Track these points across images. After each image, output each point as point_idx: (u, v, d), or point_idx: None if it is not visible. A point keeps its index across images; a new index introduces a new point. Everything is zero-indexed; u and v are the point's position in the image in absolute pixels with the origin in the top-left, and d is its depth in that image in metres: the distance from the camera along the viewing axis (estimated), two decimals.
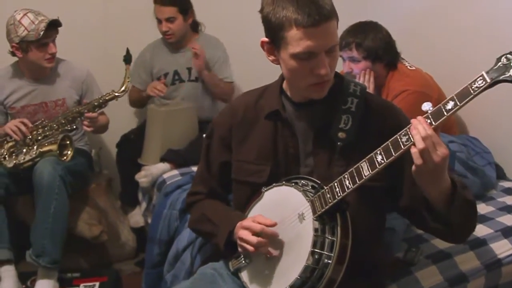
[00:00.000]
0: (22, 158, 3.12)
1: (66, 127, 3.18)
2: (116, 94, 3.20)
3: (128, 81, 3.21)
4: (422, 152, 1.46)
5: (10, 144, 3.17)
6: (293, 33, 1.63)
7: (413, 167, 1.51)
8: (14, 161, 3.11)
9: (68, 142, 3.15)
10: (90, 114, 3.13)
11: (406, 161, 1.57)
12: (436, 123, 1.45)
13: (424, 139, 1.45)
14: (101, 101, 3.19)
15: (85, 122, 3.15)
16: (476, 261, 2.21)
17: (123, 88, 3.21)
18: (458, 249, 2.22)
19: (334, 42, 1.66)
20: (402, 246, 2.25)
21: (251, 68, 3.76)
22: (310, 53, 1.64)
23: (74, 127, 3.22)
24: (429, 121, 1.46)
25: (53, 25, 3.14)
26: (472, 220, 1.75)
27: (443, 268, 2.14)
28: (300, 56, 1.65)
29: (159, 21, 3.76)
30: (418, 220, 1.80)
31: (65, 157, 3.12)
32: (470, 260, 2.20)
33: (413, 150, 1.48)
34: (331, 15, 1.62)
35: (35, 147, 3.13)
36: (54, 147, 3.10)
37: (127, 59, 3.16)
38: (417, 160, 1.48)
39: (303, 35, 1.62)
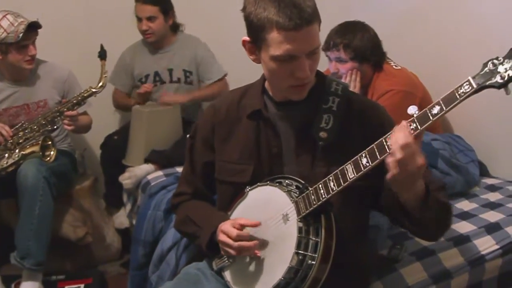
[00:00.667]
0: (5, 162, 3.09)
1: (46, 128, 3.15)
2: (94, 90, 3.17)
3: (105, 77, 3.17)
4: (399, 162, 1.45)
5: None
6: (274, 36, 1.62)
7: (388, 175, 1.50)
8: None
9: (50, 142, 3.13)
10: (70, 113, 3.10)
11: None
12: (422, 128, 1.44)
13: (402, 147, 1.43)
14: (79, 98, 3.16)
15: (65, 121, 3.12)
16: (460, 258, 2.22)
17: (100, 84, 3.17)
18: (442, 246, 2.23)
19: (315, 45, 1.65)
20: (386, 243, 2.25)
21: (234, 67, 3.76)
22: (290, 56, 1.63)
23: (55, 127, 3.19)
24: (414, 125, 1.45)
25: (33, 27, 3.11)
26: (446, 221, 1.75)
27: (427, 264, 2.15)
28: (280, 59, 1.65)
29: (139, 20, 3.75)
30: (395, 219, 1.80)
31: (48, 158, 3.10)
32: (454, 257, 2.21)
33: (390, 159, 1.47)
34: (313, 18, 1.61)
35: (17, 150, 3.11)
36: (36, 148, 3.08)
37: (102, 54, 3.13)
38: (393, 169, 1.47)
39: (283, 38, 1.61)
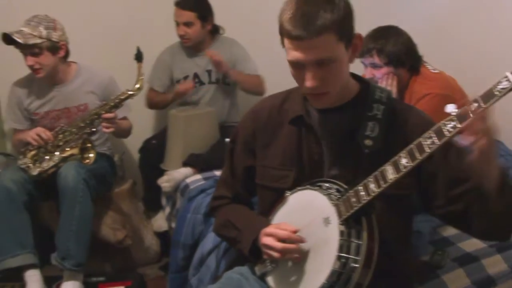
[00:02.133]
0: (46, 165, 3.14)
1: (85, 130, 3.19)
2: (131, 92, 3.18)
3: (142, 79, 3.18)
4: (483, 129, 1.41)
5: (32, 152, 3.20)
6: (286, 41, 1.66)
7: (476, 154, 1.45)
8: (38, 169, 3.14)
9: (89, 145, 3.18)
10: (107, 115, 3.13)
11: (436, 168, 1.55)
12: (462, 125, 1.42)
13: (482, 118, 1.40)
14: (117, 101, 3.18)
15: (104, 124, 3.15)
16: (504, 264, 2.19)
17: (137, 86, 3.17)
18: (485, 252, 2.20)
19: (321, 56, 1.63)
20: (428, 249, 2.23)
21: (274, 70, 3.76)
22: (297, 63, 1.65)
23: (94, 129, 3.22)
24: (453, 123, 1.43)
25: (10, 39, 3.09)
26: None
27: (470, 271, 2.13)
28: (292, 64, 1.68)
29: (177, 24, 3.77)
30: (459, 220, 1.75)
31: (87, 160, 3.15)
32: (498, 263, 2.19)
33: (464, 134, 1.43)
34: (321, 31, 1.59)
35: (57, 153, 3.16)
36: (75, 151, 3.13)
37: (139, 57, 3.12)
38: (480, 141, 1.42)
39: (291, 45, 1.63)
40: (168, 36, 3.89)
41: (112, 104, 3.19)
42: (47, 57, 3.16)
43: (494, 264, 2.18)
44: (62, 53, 3.23)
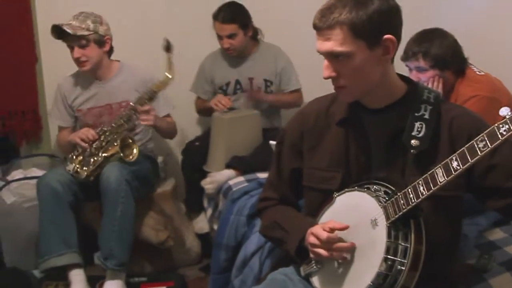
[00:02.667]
0: (92, 167, 3.21)
1: (125, 127, 3.25)
2: (162, 82, 3.23)
3: (171, 69, 3.21)
4: None
5: (79, 158, 3.26)
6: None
7: None
8: (86, 173, 3.20)
9: (130, 141, 3.23)
10: (143, 108, 3.19)
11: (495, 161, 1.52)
12: None
13: None
14: (150, 93, 3.24)
15: (142, 117, 3.20)
16: None
17: (168, 75, 3.21)
18: None
19: (334, 49, 1.67)
20: (474, 252, 2.20)
21: (316, 73, 3.75)
22: (319, 53, 1.72)
23: (134, 124, 3.29)
24: (507, 126, 1.40)
25: (64, 33, 3.22)
26: None
27: None
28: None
29: (220, 38, 3.78)
30: None
31: (130, 157, 3.20)
32: None
33: None
34: (333, 24, 1.65)
35: (100, 153, 3.22)
36: (116, 149, 3.19)
37: (168, 47, 3.17)
38: None
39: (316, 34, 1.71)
40: (213, 38, 3.90)
41: (146, 97, 3.23)
42: (94, 49, 3.28)
43: None
44: (107, 47, 3.35)
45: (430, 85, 2.86)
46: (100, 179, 3.14)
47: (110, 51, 3.40)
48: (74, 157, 3.27)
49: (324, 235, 1.72)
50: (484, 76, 2.98)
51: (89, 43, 3.25)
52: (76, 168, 3.23)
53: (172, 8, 4.11)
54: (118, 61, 3.47)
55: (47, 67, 3.81)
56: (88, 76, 3.42)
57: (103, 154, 3.21)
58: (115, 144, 3.22)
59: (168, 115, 3.52)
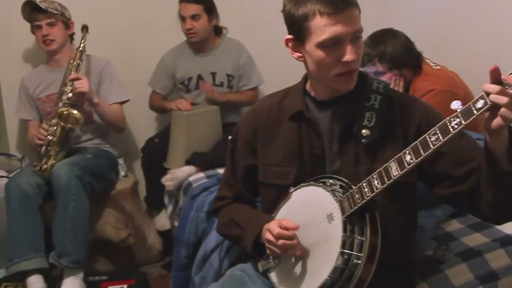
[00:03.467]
0: (52, 160, 3.20)
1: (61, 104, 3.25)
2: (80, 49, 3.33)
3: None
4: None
5: (42, 154, 3.24)
6: (318, 21, 1.65)
7: (497, 122, 1.41)
8: (47, 167, 3.19)
9: (66, 111, 3.20)
10: (70, 76, 3.23)
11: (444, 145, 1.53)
12: (466, 122, 1.42)
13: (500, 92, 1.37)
14: (74, 63, 3.30)
15: (75, 85, 3.19)
16: (507, 259, 2.17)
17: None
18: (488, 246, 2.19)
19: (358, 27, 1.67)
20: (431, 244, 2.22)
21: (276, 70, 3.77)
22: (336, 39, 1.65)
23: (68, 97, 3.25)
24: (458, 120, 1.42)
25: (38, 9, 3.34)
26: None
27: (474, 265, 2.11)
28: (325, 44, 1.67)
29: (183, 19, 3.77)
30: (466, 200, 1.72)
31: (77, 123, 3.21)
32: (501, 258, 2.17)
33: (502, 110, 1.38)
34: (353, 2, 1.66)
35: (53, 139, 3.23)
36: (60, 125, 3.20)
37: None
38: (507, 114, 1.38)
39: (328, 21, 1.64)
40: (173, 35, 3.90)
41: (70, 67, 3.30)
42: (61, 29, 3.43)
43: (498, 259, 2.16)
44: (71, 30, 3.49)
45: (392, 84, 2.89)
46: (51, 178, 3.11)
47: (71, 36, 3.53)
48: (38, 155, 3.26)
49: (275, 230, 1.72)
50: (440, 70, 3.01)
51: (57, 22, 3.41)
52: (40, 165, 3.20)
53: (133, 3, 4.07)
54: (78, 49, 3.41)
55: (3, 64, 3.74)
56: (48, 66, 3.50)
57: (53, 139, 3.20)
58: (58, 122, 3.20)
59: (118, 104, 3.52)
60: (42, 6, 3.32)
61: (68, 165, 3.10)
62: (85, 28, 3.37)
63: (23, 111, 3.58)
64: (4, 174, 3.51)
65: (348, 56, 1.67)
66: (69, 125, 3.18)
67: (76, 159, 3.21)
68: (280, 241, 1.72)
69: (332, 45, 1.67)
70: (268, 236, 1.76)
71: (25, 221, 3.07)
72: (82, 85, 3.18)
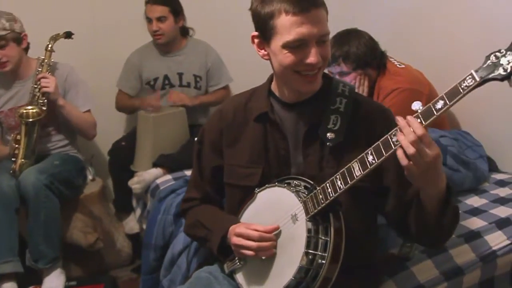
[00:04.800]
0: (20, 159, 3.17)
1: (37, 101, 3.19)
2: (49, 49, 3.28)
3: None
4: (413, 156, 1.45)
5: (13, 158, 3.21)
6: (283, 21, 1.65)
7: (405, 170, 1.51)
8: (16, 166, 3.17)
9: (24, 111, 3.16)
10: (38, 76, 3.18)
11: (390, 163, 1.57)
12: (426, 123, 1.44)
13: (413, 143, 1.44)
14: (44, 62, 3.25)
15: (42, 83, 3.15)
16: (471, 254, 2.21)
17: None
18: (453, 242, 2.21)
19: (324, 30, 1.67)
20: (396, 241, 2.24)
21: (243, 70, 3.77)
22: (301, 41, 1.65)
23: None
24: (419, 120, 1.45)
25: None
26: (453, 228, 1.75)
27: (439, 262, 2.14)
28: (290, 45, 1.66)
29: (149, 21, 3.75)
30: (398, 224, 1.83)
31: (35, 112, 3.17)
32: (465, 253, 2.20)
33: (399, 152, 1.47)
34: (320, 3, 1.66)
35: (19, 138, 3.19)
36: (23, 123, 3.16)
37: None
38: (403, 161, 1.47)
39: (293, 22, 1.64)
40: (138, 37, 3.88)
41: (41, 69, 3.24)
42: (13, 48, 3.20)
43: (462, 254, 2.19)
44: (24, 44, 3.28)
45: (357, 84, 2.91)
46: (19, 187, 3.08)
47: (27, 48, 3.33)
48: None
49: (255, 234, 1.72)
50: (405, 69, 3.03)
51: (8, 42, 3.16)
52: (13, 168, 3.17)
53: (98, 4, 4.03)
54: (37, 58, 3.35)
55: None
56: (7, 76, 3.33)
57: (18, 137, 3.18)
58: (21, 121, 3.17)
59: (88, 111, 3.44)
60: None
61: (35, 174, 3.07)
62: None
63: None
64: None
65: (312, 59, 1.67)
66: (31, 119, 3.13)
67: (44, 167, 3.17)
68: (256, 244, 1.71)
69: (297, 46, 1.67)
70: (237, 240, 1.76)
71: (4, 224, 3.04)
72: (48, 84, 3.14)
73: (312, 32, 1.65)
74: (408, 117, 1.47)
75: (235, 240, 1.77)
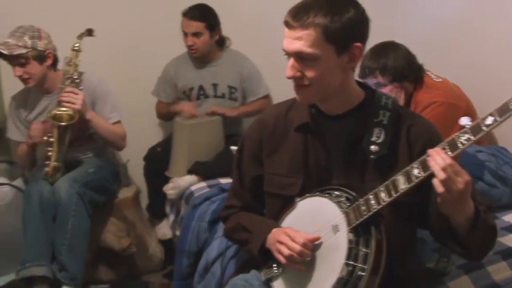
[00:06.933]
0: (53, 162, 3.17)
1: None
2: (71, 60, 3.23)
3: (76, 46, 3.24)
4: (444, 181, 1.47)
5: (46, 161, 3.21)
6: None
7: (438, 198, 1.53)
8: (50, 169, 3.17)
9: (55, 112, 3.14)
10: (65, 89, 3.13)
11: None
12: (476, 138, 1.45)
13: (443, 169, 1.46)
14: (68, 75, 3.21)
15: (63, 96, 3.11)
16: (509, 271, 2.18)
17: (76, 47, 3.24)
18: (491, 259, 2.19)
19: (302, 49, 1.68)
20: (432, 256, 2.23)
21: (282, 80, 3.77)
22: (285, 51, 1.73)
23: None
24: (467, 136, 1.46)
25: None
26: (491, 244, 1.76)
27: (476, 278, 2.13)
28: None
29: (185, 34, 3.77)
30: (440, 239, 1.84)
31: (67, 115, 3.14)
32: (503, 270, 2.18)
33: (435, 180, 1.49)
34: (309, 25, 1.66)
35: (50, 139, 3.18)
36: (56, 125, 3.13)
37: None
38: (439, 188, 1.49)
39: (285, 33, 1.72)
40: (175, 43, 3.89)
41: (66, 76, 3.21)
42: (34, 66, 3.17)
43: (500, 271, 2.17)
44: (49, 61, 3.24)
45: None
46: (53, 193, 3.11)
47: (54, 63, 3.29)
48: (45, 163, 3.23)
49: (301, 238, 1.71)
50: (442, 82, 3.02)
51: (29, 61, 3.14)
52: (46, 171, 3.18)
53: (135, 12, 4.07)
54: (62, 69, 3.33)
55: (4, 72, 3.74)
56: (35, 91, 3.33)
57: (51, 139, 3.16)
58: (53, 124, 3.14)
59: (118, 122, 3.41)
60: (5, 52, 3.08)
61: (69, 182, 3.11)
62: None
63: (16, 133, 3.44)
64: (6, 181, 3.50)
65: (287, 71, 1.73)
66: (64, 123, 3.12)
67: (78, 175, 3.20)
68: (288, 252, 1.72)
69: (287, 56, 1.74)
70: (283, 238, 1.75)
71: (42, 228, 3.08)
72: (76, 100, 3.10)
73: (286, 48, 1.71)
74: (436, 148, 1.51)
75: (282, 237, 1.75)
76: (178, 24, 3.79)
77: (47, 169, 3.17)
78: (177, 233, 3.38)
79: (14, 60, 3.14)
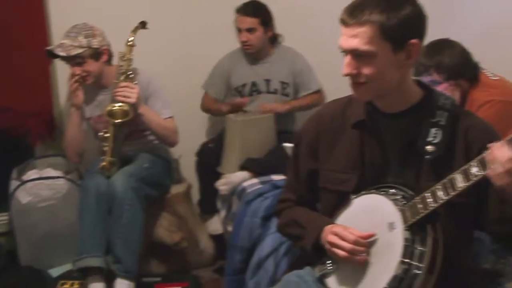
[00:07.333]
0: (108, 156, 3.23)
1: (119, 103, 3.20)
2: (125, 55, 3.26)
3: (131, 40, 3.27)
4: (502, 175, 1.47)
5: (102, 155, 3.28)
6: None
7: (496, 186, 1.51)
8: (105, 163, 3.24)
9: (109, 108, 3.19)
10: (120, 85, 3.17)
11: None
12: None
13: (505, 162, 1.45)
14: (122, 71, 3.24)
15: (117, 91, 3.16)
16: None
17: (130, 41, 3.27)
18: None
19: (359, 47, 1.69)
20: (489, 257, 2.20)
21: (335, 76, 3.76)
22: (340, 49, 1.74)
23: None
24: None
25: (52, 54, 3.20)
26: None
27: None
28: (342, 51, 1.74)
29: (239, 31, 3.80)
30: (501, 235, 1.79)
31: (121, 113, 3.18)
32: None
33: (492, 174, 1.48)
34: (364, 22, 1.67)
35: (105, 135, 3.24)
36: (111, 121, 3.19)
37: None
38: (499, 181, 1.48)
39: (340, 31, 1.72)
40: (227, 40, 3.93)
41: (120, 72, 3.25)
42: (91, 64, 3.24)
43: None
44: (105, 57, 3.30)
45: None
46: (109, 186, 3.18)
47: (109, 59, 3.36)
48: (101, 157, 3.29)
49: (352, 236, 1.72)
50: (498, 81, 2.97)
51: (85, 59, 3.20)
52: (102, 165, 3.24)
53: (189, 9, 4.11)
54: (116, 64, 3.36)
55: (61, 68, 3.82)
56: (92, 86, 3.38)
57: (106, 135, 3.22)
58: (109, 120, 3.20)
59: (169, 118, 3.42)
60: (62, 54, 3.17)
61: (125, 176, 3.17)
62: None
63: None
64: (62, 174, 3.59)
65: (344, 68, 1.73)
66: (119, 120, 3.17)
67: (133, 170, 3.25)
68: (350, 245, 1.72)
69: (344, 54, 1.74)
70: (332, 238, 1.76)
71: (98, 221, 3.14)
72: (131, 94, 3.14)
73: (343, 44, 1.72)
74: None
75: (331, 238, 1.77)
76: (230, 18, 3.81)
77: (103, 163, 3.23)
78: (228, 228, 3.40)
79: (71, 60, 3.21)
